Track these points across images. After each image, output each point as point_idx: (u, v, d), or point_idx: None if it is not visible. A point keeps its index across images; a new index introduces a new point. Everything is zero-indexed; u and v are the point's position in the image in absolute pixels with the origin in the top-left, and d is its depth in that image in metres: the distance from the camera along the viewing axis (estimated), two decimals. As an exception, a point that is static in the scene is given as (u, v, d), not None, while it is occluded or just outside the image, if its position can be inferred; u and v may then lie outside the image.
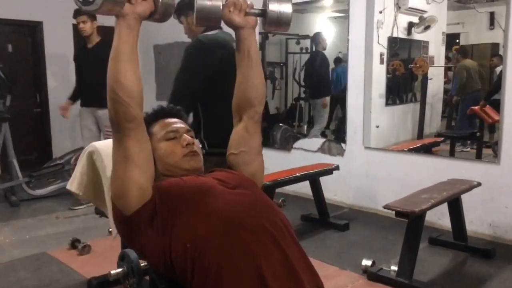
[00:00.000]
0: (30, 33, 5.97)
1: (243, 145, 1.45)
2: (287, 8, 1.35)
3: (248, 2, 1.35)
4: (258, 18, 1.40)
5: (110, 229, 3.96)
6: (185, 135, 1.41)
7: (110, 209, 1.67)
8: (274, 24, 1.36)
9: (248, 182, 1.39)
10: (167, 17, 1.25)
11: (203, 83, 2.16)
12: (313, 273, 1.23)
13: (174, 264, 1.16)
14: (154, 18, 1.23)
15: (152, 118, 1.46)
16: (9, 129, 4.66)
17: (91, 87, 4.17)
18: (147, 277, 2.22)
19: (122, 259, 2.33)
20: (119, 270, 2.28)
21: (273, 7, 1.34)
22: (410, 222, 2.84)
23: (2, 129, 4.61)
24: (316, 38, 5.83)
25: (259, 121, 1.47)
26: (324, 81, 5.99)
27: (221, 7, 1.31)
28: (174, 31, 6.43)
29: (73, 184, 1.87)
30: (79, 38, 4.91)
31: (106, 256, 3.18)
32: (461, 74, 5.74)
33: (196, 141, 1.44)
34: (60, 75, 6.04)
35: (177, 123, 1.45)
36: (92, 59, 4.14)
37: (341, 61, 6.98)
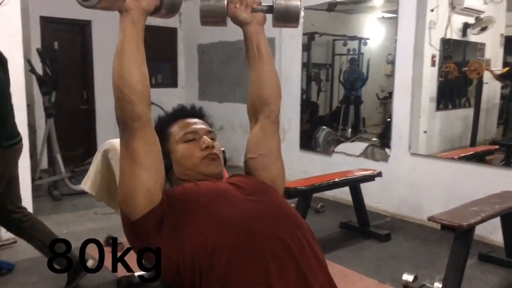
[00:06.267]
0: (79, 31, 6.13)
1: (261, 147, 1.35)
2: (294, 2, 1.30)
3: None
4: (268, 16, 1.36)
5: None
6: (204, 137, 1.33)
7: None
8: (282, 19, 1.32)
9: (268, 189, 1.28)
10: (174, 13, 1.21)
11: None
12: None
13: (182, 274, 1.07)
14: (160, 13, 1.19)
15: (171, 118, 1.39)
16: (53, 125, 4.78)
17: None
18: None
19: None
20: (144, 272, 2.23)
21: (280, 1, 1.30)
22: (457, 236, 2.63)
23: (47, 125, 4.73)
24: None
25: (276, 122, 1.38)
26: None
27: (225, 4, 1.28)
28: (218, 32, 6.47)
29: (87, 183, 1.81)
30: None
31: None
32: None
33: (217, 144, 1.35)
34: (107, 74, 6.15)
35: (197, 124, 1.37)
36: None
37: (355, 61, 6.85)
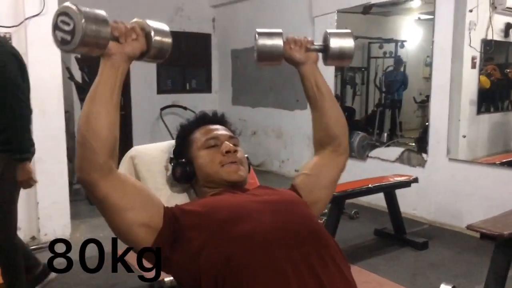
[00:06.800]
0: (116, 39, 6.28)
1: (318, 169, 1.36)
2: (349, 43, 1.32)
3: (309, 39, 1.33)
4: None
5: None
6: (226, 142, 1.31)
7: None
8: (336, 59, 1.34)
9: (297, 202, 1.25)
10: (163, 57, 1.13)
11: None
12: None
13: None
14: (146, 57, 1.11)
15: (194, 125, 1.40)
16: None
17: None
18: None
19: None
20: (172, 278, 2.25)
21: (335, 43, 1.31)
22: (497, 246, 2.51)
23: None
24: None
25: (344, 153, 1.38)
26: None
27: (282, 45, 1.28)
28: (251, 37, 6.50)
29: None
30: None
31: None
32: None
33: (240, 150, 1.33)
34: (144, 80, 6.32)
35: (219, 130, 1.36)
36: None
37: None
